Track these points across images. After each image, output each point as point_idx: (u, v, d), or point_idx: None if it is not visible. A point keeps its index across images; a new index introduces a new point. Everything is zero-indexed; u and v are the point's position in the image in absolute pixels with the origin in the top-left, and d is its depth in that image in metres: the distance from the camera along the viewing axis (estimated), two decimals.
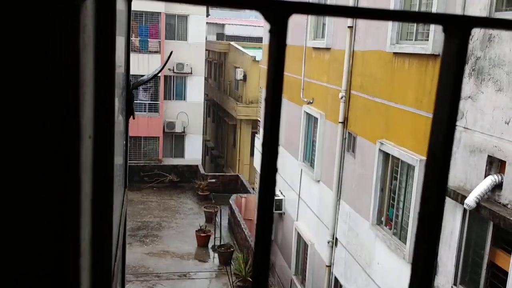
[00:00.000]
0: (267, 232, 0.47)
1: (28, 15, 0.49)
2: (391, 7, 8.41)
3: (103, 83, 0.74)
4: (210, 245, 17.17)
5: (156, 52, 24.64)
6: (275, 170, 0.45)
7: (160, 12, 24.65)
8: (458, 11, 6.67)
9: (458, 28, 0.47)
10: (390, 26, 8.47)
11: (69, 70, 0.52)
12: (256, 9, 0.43)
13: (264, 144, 0.43)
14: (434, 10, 7.23)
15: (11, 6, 0.49)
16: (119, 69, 1.55)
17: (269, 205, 0.46)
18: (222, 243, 16.75)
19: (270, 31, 0.43)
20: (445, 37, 0.48)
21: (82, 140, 0.57)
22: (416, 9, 8.00)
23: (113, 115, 0.82)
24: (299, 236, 12.99)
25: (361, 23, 9.80)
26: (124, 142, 1.84)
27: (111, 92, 0.80)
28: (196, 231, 17.38)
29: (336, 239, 10.72)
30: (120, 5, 1.42)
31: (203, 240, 17.14)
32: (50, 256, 0.58)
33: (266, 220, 0.47)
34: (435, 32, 7.19)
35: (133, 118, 1.87)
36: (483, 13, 6.24)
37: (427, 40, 7.49)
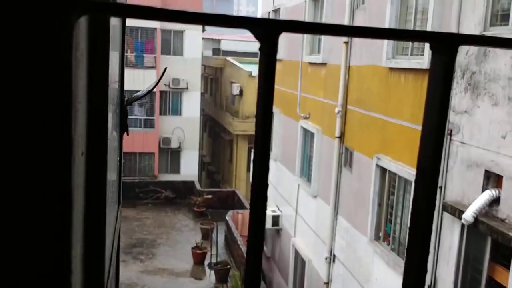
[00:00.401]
0: (259, 244, 0.46)
1: (21, 33, 0.49)
2: (387, 22, 8.50)
3: (96, 100, 0.74)
4: (206, 263, 17.02)
5: (151, 67, 24.75)
6: (266, 185, 0.44)
7: (155, 28, 24.81)
8: (453, 25, 6.73)
9: (445, 46, 0.47)
10: (385, 41, 8.54)
11: (61, 88, 0.52)
12: (246, 28, 0.43)
13: (254, 164, 0.42)
14: (429, 24, 7.30)
15: (3, 24, 0.49)
16: (113, 85, 1.55)
17: (261, 212, 0.45)
18: (218, 260, 16.61)
19: (260, 49, 0.43)
20: (432, 55, 0.48)
21: (74, 157, 0.57)
22: (412, 24, 8.08)
23: (106, 132, 0.82)
24: (296, 252, 12.90)
25: (357, 39, 9.88)
26: (118, 158, 1.83)
27: (105, 109, 0.80)
28: (192, 248, 17.24)
29: (334, 255, 10.65)
30: (114, 21, 1.42)
31: (199, 257, 16.99)
32: (40, 273, 0.57)
33: (258, 233, 0.46)
34: None
35: (127, 134, 1.86)
36: (478, 28, 6.30)
37: (423, 55, 7.55)
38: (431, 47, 0.49)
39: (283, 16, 14.31)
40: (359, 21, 9.77)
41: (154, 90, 24.35)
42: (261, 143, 0.44)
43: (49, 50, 0.51)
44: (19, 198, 0.54)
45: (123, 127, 1.78)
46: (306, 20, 12.32)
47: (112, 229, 1.46)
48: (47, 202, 0.55)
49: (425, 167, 0.51)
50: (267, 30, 0.43)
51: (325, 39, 11.31)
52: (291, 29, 0.45)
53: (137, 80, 23.83)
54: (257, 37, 0.43)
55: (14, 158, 0.53)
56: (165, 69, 3.30)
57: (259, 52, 0.43)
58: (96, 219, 0.78)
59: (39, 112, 0.52)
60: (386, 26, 8.51)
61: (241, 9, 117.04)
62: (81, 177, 0.67)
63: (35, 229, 0.55)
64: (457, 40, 0.48)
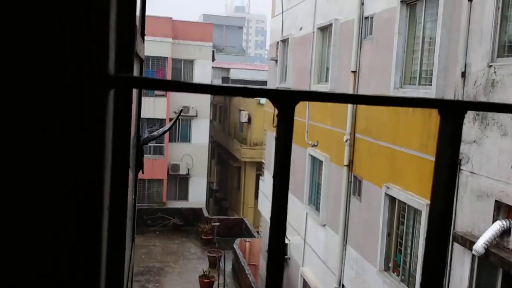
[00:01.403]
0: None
1: (61, 106, 0.53)
2: (394, 52, 8.58)
3: (119, 156, 0.77)
4: None
5: (162, 95, 25.02)
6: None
7: (166, 57, 25.19)
8: (460, 56, 6.78)
9: (452, 112, 0.49)
10: (393, 71, 8.61)
11: (96, 151, 0.56)
12: (266, 97, 0.46)
13: (271, 232, 0.44)
14: (436, 56, 7.36)
15: (57, 90, 0.53)
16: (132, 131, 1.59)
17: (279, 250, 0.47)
18: None
19: (278, 116, 0.46)
20: (441, 119, 0.50)
21: (103, 213, 0.60)
22: (419, 54, 8.14)
23: (127, 185, 0.84)
24: (305, 283, 12.72)
25: (365, 68, 9.96)
26: (133, 197, 1.85)
27: (126, 165, 0.82)
28: (199, 276, 17.07)
29: (343, 285, 10.49)
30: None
31: (206, 286, 16.80)
32: None
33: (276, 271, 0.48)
34: (438, 77, 7.30)
35: (142, 173, 1.89)
36: (485, 59, 6.34)
37: (430, 84, 7.59)
38: (439, 112, 0.51)
39: (291, 45, 14.49)
40: (367, 51, 9.88)
41: (165, 118, 24.57)
42: (278, 208, 0.46)
43: (87, 121, 0.55)
44: (51, 256, 0.56)
45: (138, 166, 1.81)
46: (314, 49, 12.46)
47: (127, 269, 1.47)
48: (78, 261, 0.57)
49: (434, 225, 0.53)
50: (285, 99, 0.46)
51: (333, 68, 11.42)
52: (306, 98, 0.48)
53: (148, 108, 24.06)
54: (275, 105, 0.46)
55: (50, 213, 0.55)
56: (181, 110, 3.37)
57: (277, 118, 0.45)
58: (116, 271, 0.80)
59: (74, 175, 0.56)
60: (394, 56, 8.59)
61: (250, 39, 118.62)
62: (105, 230, 0.69)
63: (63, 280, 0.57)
64: (464, 106, 0.50)
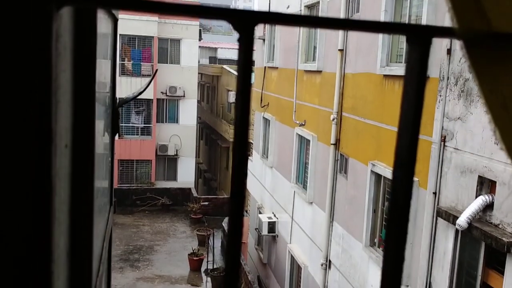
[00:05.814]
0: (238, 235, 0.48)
1: None
2: (380, 35, 8.54)
3: (83, 94, 0.74)
4: (203, 269, 16.97)
5: (148, 75, 24.78)
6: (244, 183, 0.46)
7: (153, 36, 24.86)
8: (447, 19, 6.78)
9: (419, 37, 0.49)
10: (380, 49, 8.59)
11: (38, 78, 0.52)
12: (224, 19, 0.45)
13: (234, 151, 0.44)
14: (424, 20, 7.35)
15: None
16: (104, 85, 1.56)
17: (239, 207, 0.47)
18: (215, 266, 16.57)
19: (238, 40, 0.45)
20: (408, 46, 0.50)
21: (55, 147, 0.57)
22: (406, 20, 8.13)
23: (93, 125, 0.82)
24: (292, 259, 12.88)
25: (352, 46, 9.93)
26: (110, 159, 1.84)
27: (92, 103, 0.80)
28: (189, 254, 17.20)
29: (330, 261, 10.64)
30: (105, 28, 1.43)
31: (195, 263, 16.94)
32: (18, 259, 0.55)
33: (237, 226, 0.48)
34: None
35: (119, 137, 1.88)
36: None
37: None
38: (407, 39, 0.50)
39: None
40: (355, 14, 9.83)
41: (152, 98, 24.38)
42: (239, 137, 0.46)
43: (26, 40, 0.50)
44: None
45: (115, 129, 1.79)
46: (301, 28, 12.39)
47: (103, 228, 1.46)
48: (25, 189, 0.54)
49: (402, 160, 0.52)
50: (245, 21, 0.44)
51: (320, 47, 11.37)
52: (267, 20, 0.47)
53: (135, 88, 23.81)
54: (235, 28, 0.45)
55: None
56: (156, 70, 3.34)
57: (237, 42, 0.45)
58: (83, 211, 0.78)
59: (16, 101, 0.52)
60: (380, 34, 8.56)
61: None
62: (65, 168, 0.66)
63: (13, 221, 0.54)
64: (432, 31, 0.50)
